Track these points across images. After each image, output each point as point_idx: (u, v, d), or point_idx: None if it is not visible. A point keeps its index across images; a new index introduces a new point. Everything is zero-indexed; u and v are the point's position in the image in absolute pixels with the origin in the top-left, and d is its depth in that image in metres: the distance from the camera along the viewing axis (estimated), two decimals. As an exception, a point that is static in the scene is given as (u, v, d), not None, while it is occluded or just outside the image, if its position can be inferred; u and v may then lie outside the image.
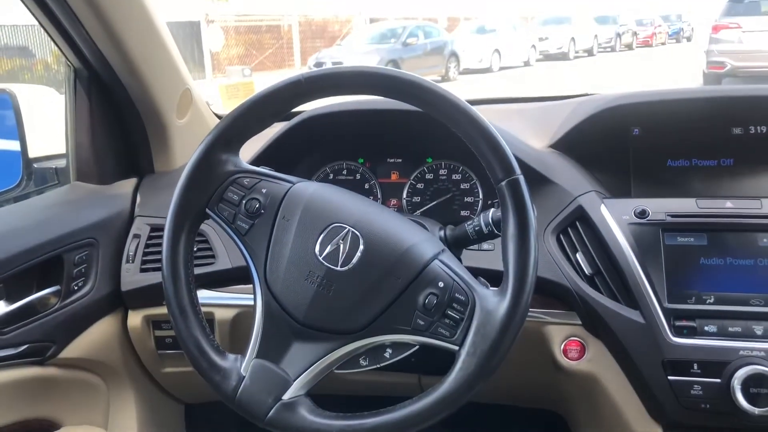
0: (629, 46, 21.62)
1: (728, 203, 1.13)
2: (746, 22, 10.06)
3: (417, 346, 0.94)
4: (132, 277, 1.32)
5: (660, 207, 1.15)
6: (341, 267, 0.90)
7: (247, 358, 0.91)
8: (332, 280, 0.90)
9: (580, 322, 1.16)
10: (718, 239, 1.11)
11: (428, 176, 1.38)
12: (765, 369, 0.99)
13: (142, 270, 1.32)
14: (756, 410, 0.98)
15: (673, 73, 13.05)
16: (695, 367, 1.04)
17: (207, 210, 0.96)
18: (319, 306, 0.90)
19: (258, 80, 11.47)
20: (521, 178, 0.87)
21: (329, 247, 0.91)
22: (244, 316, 1.31)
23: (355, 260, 0.90)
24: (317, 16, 19.59)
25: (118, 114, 1.43)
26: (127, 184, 1.46)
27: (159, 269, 1.28)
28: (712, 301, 1.08)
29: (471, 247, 1.13)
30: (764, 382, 0.98)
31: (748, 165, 1.29)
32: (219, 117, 1.65)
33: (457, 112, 0.90)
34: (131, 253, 1.34)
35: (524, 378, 1.32)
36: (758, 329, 1.04)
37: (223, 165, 0.96)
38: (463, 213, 1.35)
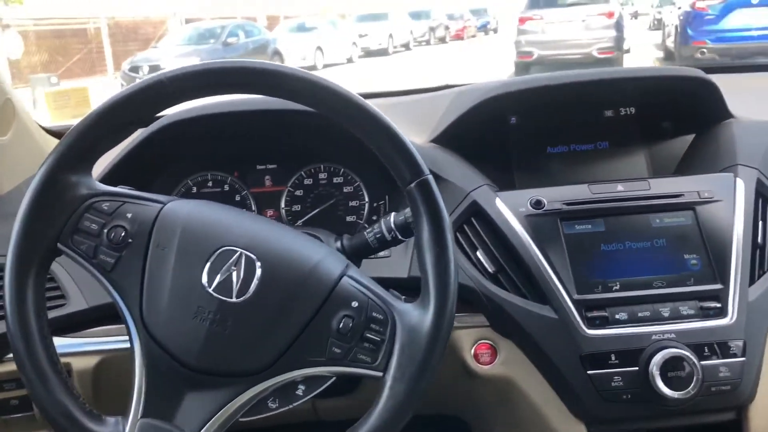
0: (443, 40, 22.62)
1: (619, 186, 1.13)
2: (547, 14, 10.91)
3: (333, 378, 0.86)
4: None
5: (555, 196, 1.12)
6: (236, 298, 0.77)
7: (130, 419, 0.77)
8: (227, 315, 0.77)
9: (488, 324, 1.11)
10: (614, 224, 1.10)
11: (307, 182, 1.27)
12: (678, 351, 0.98)
13: None
14: (675, 394, 0.97)
15: (488, 63, 13.78)
16: (613, 358, 1.02)
17: (59, 245, 0.79)
18: (214, 346, 0.77)
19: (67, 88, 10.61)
20: (431, 178, 0.80)
21: (219, 275, 0.78)
22: (109, 363, 1.11)
23: (252, 288, 0.77)
24: (126, 17, 18.52)
25: None
26: None
27: None
28: (618, 287, 1.06)
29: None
30: (680, 364, 0.98)
31: (622, 147, 1.32)
32: (48, 132, 1.42)
33: (354, 109, 0.81)
34: None
35: (433, 388, 1.25)
36: (665, 311, 1.04)
37: (74, 188, 0.80)
38: (349, 219, 1.26)
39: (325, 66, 15.93)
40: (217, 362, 0.77)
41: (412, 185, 0.80)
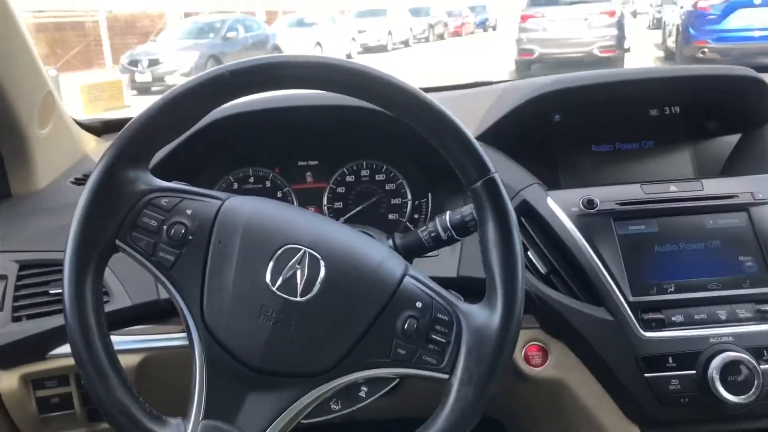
0: (441, 36, 22.56)
1: (672, 187, 1.11)
2: (549, 12, 10.90)
3: (397, 380, 0.83)
4: (2, 329, 1.05)
5: (607, 195, 1.10)
6: (301, 297, 0.75)
7: (192, 420, 0.74)
8: (291, 314, 0.75)
9: (538, 325, 1.09)
10: (667, 225, 1.09)
11: (349, 179, 1.25)
12: (738, 355, 0.97)
13: (15, 319, 1.06)
14: (736, 398, 0.96)
15: (487, 60, 13.74)
16: (670, 360, 1.00)
17: (117, 242, 0.77)
18: (278, 347, 0.75)
19: (67, 81, 10.52)
20: (498, 177, 0.78)
21: (284, 274, 0.76)
22: (154, 360, 1.09)
23: (316, 287, 0.75)
24: (124, 11, 18.42)
25: None
26: None
27: (36, 316, 1.06)
28: (673, 289, 1.04)
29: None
30: (738, 368, 0.96)
31: (667, 146, 1.29)
32: (81, 125, 1.39)
33: (419, 106, 0.78)
34: None
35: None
36: (722, 314, 1.02)
37: (133, 184, 0.77)
38: (391, 216, 1.24)
39: (325, 61, 15.88)
40: (281, 363, 0.75)
41: (479, 184, 0.78)
